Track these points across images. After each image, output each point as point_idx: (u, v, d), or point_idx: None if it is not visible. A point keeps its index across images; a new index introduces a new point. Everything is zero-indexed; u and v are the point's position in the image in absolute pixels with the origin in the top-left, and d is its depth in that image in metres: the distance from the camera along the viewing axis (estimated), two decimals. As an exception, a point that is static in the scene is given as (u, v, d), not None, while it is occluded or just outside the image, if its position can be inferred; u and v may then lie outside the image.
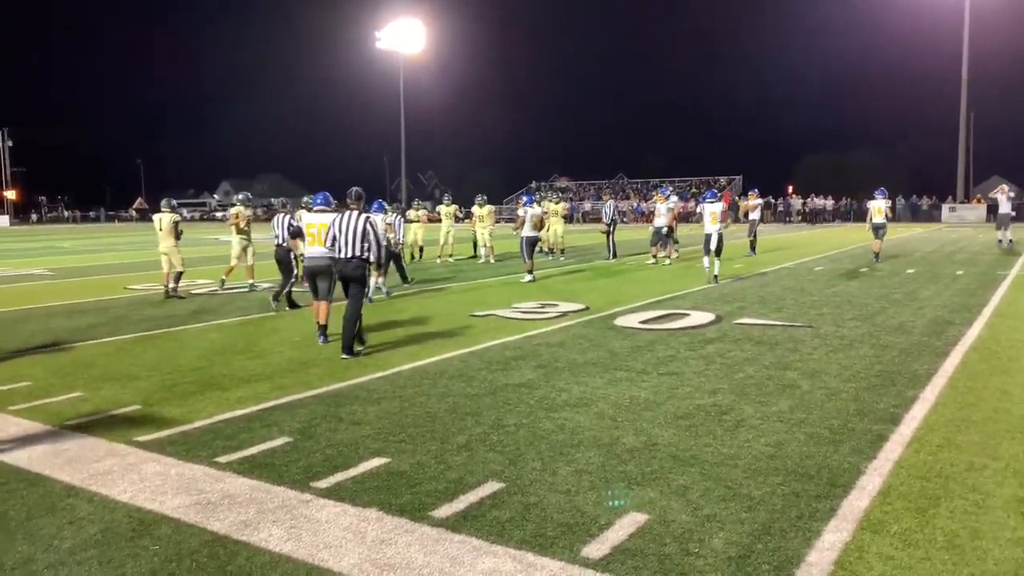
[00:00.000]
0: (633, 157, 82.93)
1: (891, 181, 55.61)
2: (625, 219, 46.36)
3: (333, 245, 7.87)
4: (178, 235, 12.85)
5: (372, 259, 8.04)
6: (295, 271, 11.56)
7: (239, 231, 13.61)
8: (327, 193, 8.60)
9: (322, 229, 8.19)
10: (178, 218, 13.02)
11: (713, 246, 13.58)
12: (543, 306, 11.10)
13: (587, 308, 10.82)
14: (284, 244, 11.48)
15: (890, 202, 20.27)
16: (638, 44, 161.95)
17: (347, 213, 7.93)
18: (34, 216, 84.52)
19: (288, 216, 11.70)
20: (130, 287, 14.71)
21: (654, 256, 18.31)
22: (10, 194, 78.75)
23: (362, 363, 7.39)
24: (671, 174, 64.56)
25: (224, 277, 14.03)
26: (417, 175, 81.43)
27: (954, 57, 44.27)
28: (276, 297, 11.35)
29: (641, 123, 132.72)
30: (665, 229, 18.27)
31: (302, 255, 9.04)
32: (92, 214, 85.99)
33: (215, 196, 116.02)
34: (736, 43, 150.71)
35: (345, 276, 7.92)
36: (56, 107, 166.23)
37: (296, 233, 9.04)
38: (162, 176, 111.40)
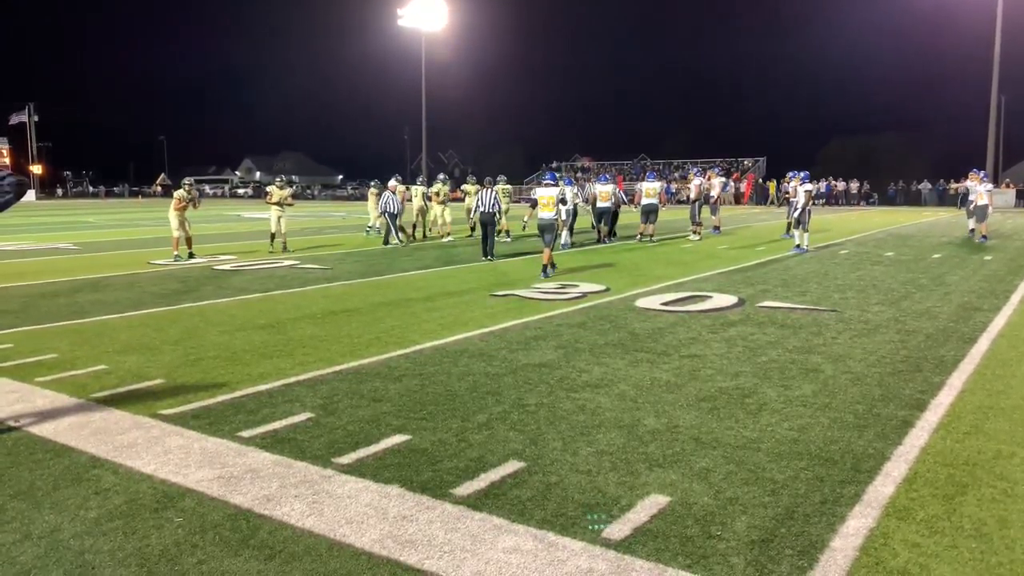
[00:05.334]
0: (656, 136, 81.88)
1: (919, 166, 54.72)
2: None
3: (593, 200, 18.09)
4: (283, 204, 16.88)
5: (625, 205, 18.41)
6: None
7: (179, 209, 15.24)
8: (554, 172, 12.74)
9: (550, 200, 12.37)
10: (291, 190, 17.77)
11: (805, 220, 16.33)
12: (563, 287, 11.06)
13: (608, 289, 10.77)
14: (488, 211, 15.09)
15: (991, 186, 19.85)
16: (663, 20, 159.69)
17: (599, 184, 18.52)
18: (59, 191, 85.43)
19: (492, 191, 15.46)
20: (153, 262, 14.85)
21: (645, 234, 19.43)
22: (36, 169, 79.48)
23: (382, 340, 7.41)
24: (695, 154, 63.75)
25: (177, 252, 15.28)
26: (437, 153, 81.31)
27: (986, 39, 43.24)
28: (489, 253, 15.03)
29: (665, 102, 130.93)
30: (641, 209, 19.77)
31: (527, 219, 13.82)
32: (116, 189, 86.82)
33: (236, 173, 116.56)
34: (765, 22, 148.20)
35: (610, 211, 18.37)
36: (81, 84, 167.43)
37: (534, 204, 12.66)
38: (184, 152, 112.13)
